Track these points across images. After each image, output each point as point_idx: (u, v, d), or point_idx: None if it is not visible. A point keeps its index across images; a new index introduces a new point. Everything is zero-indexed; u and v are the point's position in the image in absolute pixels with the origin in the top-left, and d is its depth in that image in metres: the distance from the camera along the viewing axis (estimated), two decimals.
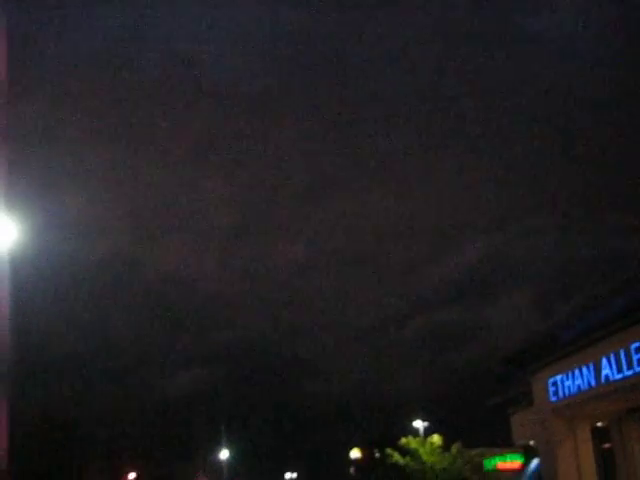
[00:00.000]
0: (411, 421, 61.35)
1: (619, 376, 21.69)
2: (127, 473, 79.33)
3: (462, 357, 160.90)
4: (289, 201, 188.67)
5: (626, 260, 25.40)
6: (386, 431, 73.98)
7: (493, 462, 57.04)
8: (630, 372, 21.12)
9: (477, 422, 69.59)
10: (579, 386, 24.20)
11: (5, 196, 17.54)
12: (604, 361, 22.46)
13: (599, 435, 28.05)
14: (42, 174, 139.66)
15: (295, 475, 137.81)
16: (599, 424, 28.18)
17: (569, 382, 25.04)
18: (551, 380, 26.44)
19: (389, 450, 56.75)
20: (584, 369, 23.86)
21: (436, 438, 55.44)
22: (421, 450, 54.52)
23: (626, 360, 21.29)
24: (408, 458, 54.86)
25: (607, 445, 28.05)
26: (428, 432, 58.07)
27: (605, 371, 22.46)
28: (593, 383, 23.26)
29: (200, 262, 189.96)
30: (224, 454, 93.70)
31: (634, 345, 20.80)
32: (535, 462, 38.73)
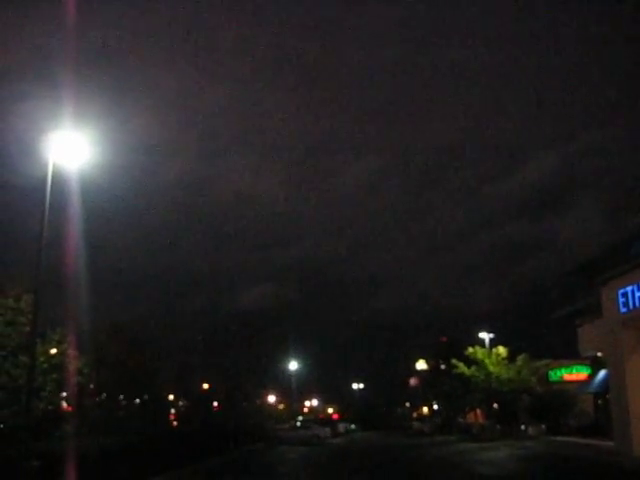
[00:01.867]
0: (477, 333, 61.57)
1: None
2: (200, 384, 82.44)
3: (529, 270, 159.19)
4: (355, 120, 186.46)
5: None
6: (452, 343, 74.40)
7: (559, 373, 57.21)
8: None
9: (543, 334, 69.39)
10: None
11: (74, 117, 17.81)
12: None
13: None
14: (112, 98, 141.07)
15: (362, 386, 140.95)
16: None
17: None
18: (621, 291, 26.04)
19: (455, 361, 57.33)
20: None
21: (502, 349, 55.67)
22: (487, 361, 54.92)
23: None
24: (474, 369, 55.38)
25: None
26: (494, 344, 58.26)
27: None
28: None
29: (267, 180, 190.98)
30: (293, 365, 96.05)
31: None
32: (602, 373, 38.59)
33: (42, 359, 24.72)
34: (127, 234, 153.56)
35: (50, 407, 25.74)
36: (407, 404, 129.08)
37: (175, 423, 71.48)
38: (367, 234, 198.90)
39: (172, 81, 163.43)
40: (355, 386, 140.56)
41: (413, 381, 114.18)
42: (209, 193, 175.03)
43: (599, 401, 43.55)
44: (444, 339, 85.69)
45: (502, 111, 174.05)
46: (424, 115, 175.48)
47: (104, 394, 53.97)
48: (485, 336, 60.25)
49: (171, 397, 78.10)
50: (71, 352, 26.36)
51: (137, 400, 62.86)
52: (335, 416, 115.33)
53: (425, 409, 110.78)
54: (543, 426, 51.09)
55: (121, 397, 59.61)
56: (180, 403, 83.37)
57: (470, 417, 74.70)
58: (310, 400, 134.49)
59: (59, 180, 16.98)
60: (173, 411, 78.07)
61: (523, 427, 53.77)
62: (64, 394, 28.32)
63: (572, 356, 51.23)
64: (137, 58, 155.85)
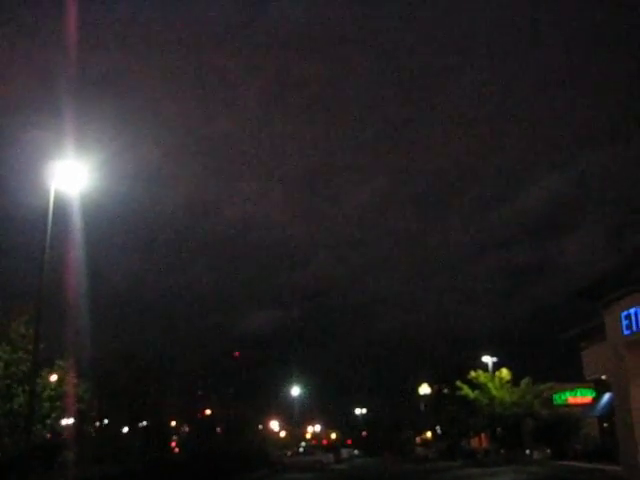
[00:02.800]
0: (480, 356, 61.28)
1: None
2: (203, 410, 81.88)
3: (532, 293, 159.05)
4: (359, 147, 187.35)
5: None
6: (455, 367, 74.06)
7: (563, 397, 56.85)
8: None
9: (547, 357, 69.18)
10: None
11: (77, 145, 17.92)
12: None
13: None
14: (117, 125, 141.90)
15: (365, 411, 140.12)
16: None
17: None
18: (624, 313, 25.94)
19: (459, 383, 56.95)
20: None
21: (505, 372, 55.38)
22: (490, 384, 54.62)
23: None
24: (477, 392, 55.04)
25: None
26: (497, 367, 57.97)
27: None
28: None
29: (271, 205, 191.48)
30: (295, 391, 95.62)
31: None
32: (607, 396, 38.34)
33: (51, 387, 24.69)
34: (132, 260, 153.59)
35: (48, 434, 25.66)
36: (411, 430, 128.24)
37: (177, 450, 70.95)
38: (371, 258, 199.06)
39: (175, 108, 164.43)
40: (358, 411, 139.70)
41: (418, 406, 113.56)
42: (214, 219, 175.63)
43: (605, 424, 43.20)
44: (448, 363, 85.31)
45: (504, 135, 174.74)
46: (428, 139, 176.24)
47: (106, 420, 53.70)
48: (488, 359, 59.96)
49: (173, 423, 77.60)
50: (70, 378, 26.32)
51: (140, 425, 62.45)
52: (338, 442, 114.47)
53: (429, 434, 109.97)
54: (548, 450, 50.68)
55: (124, 424, 59.26)
56: (182, 429, 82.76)
57: (474, 442, 74.14)
58: (313, 425, 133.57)
59: (62, 209, 17.06)
60: (175, 437, 77.56)
61: (528, 451, 53.34)
62: (65, 421, 28.22)
63: (576, 379, 50.96)
64: (141, 85, 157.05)
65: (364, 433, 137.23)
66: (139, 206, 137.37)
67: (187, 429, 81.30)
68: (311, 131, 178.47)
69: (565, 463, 43.40)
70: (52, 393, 24.88)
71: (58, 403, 25.18)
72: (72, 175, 16.93)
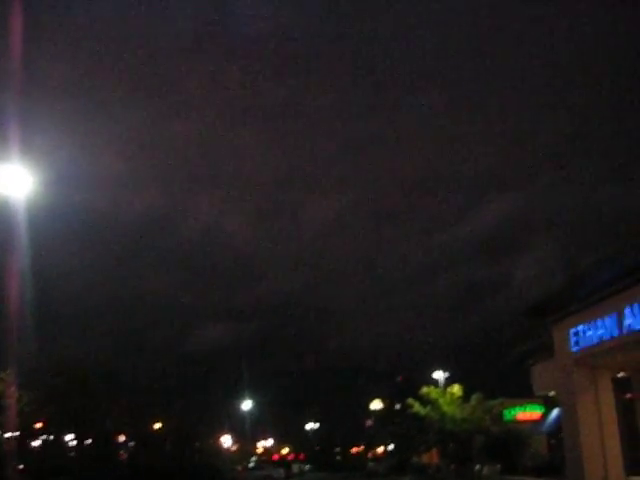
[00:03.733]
0: (432, 372, 61.54)
1: None
2: (151, 424, 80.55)
3: (484, 310, 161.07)
4: (321, 159, 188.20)
5: None
6: (407, 383, 74.33)
7: (513, 412, 57.33)
8: None
9: (497, 373, 69.77)
10: (601, 336, 23.95)
11: (27, 150, 17.45)
12: (627, 311, 22.15)
13: (620, 385, 27.80)
14: (80, 136, 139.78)
15: (317, 425, 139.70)
16: (620, 374, 27.93)
17: (591, 332, 24.79)
18: (573, 330, 26.20)
19: (410, 400, 57.03)
20: (606, 319, 23.56)
21: (456, 388, 55.55)
22: (441, 400, 54.71)
23: None
24: (428, 408, 55.14)
25: (629, 395, 27.83)
26: (449, 383, 58.23)
27: (628, 320, 22.16)
28: (615, 333, 22.98)
29: (233, 217, 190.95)
30: (246, 405, 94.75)
31: None
32: (555, 412, 38.76)
33: None
34: (86, 269, 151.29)
35: None
36: (362, 445, 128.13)
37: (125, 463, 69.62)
38: (328, 273, 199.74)
39: (137, 115, 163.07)
40: (310, 426, 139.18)
41: (369, 422, 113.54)
42: (173, 229, 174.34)
43: (552, 441, 43.65)
44: (400, 378, 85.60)
45: (459, 156, 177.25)
46: (391, 157, 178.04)
47: (51, 435, 52.46)
48: (440, 375, 60.24)
49: (122, 437, 76.19)
50: (11, 391, 25.54)
51: (86, 441, 61.20)
52: (290, 457, 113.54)
53: (381, 449, 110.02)
54: (498, 466, 50.93)
55: (69, 437, 58.01)
56: (130, 443, 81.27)
57: (425, 457, 74.27)
58: (264, 440, 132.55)
59: (6, 216, 16.57)
60: (123, 451, 76.15)
61: (478, 467, 53.54)
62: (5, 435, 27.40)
63: (526, 395, 51.44)
64: (104, 93, 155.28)
65: (317, 448, 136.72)
66: (97, 214, 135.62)
67: (133, 443, 79.89)
68: (275, 145, 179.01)
69: (515, 478, 43.66)
70: None
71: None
72: (17, 179, 16.48)
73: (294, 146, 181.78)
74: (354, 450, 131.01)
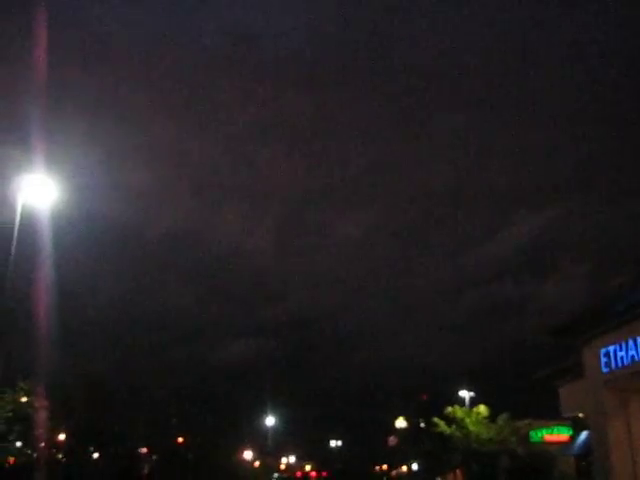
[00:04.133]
0: (458, 391, 60.83)
1: None
2: (174, 438, 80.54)
3: (512, 329, 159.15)
4: (348, 176, 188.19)
5: None
6: (432, 401, 73.53)
7: (540, 434, 56.29)
8: None
9: (524, 394, 68.68)
10: (633, 357, 23.34)
11: (46, 161, 17.42)
12: None
13: None
14: (107, 147, 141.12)
15: (340, 443, 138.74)
16: None
17: (622, 353, 24.18)
18: (603, 351, 25.58)
19: (435, 419, 56.38)
20: (639, 339, 23.00)
21: (482, 408, 54.85)
22: (467, 420, 54.03)
23: None
24: (454, 427, 54.45)
25: None
26: (474, 403, 57.49)
27: None
28: None
29: (257, 234, 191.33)
30: (270, 421, 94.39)
31: None
32: (584, 435, 37.93)
33: (5, 408, 23.85)
34: (113, 283, 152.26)
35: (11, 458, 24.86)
36: (385, 464, 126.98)
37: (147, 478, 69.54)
38: (353, 291, 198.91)
39: (164, 131, 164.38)
40: (333, 443, 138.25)
41: (392, 440, 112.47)
42: (199, 243, 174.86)
43: (582, 463, 42.72)
44: (424, 397, 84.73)
45: (489, 172, 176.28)
46: (415, 175, 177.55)
47: (75, 446, 52.47)
48: (465, 394, 59.49)
49: (144, 450, 76.16)
50: (39, 403, 25.54)
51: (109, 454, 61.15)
52: (312, 474, 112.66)
53: (404, 468, 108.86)
54: None
55: (92, 449, 58.05)
56: (154, 457, 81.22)
57: (450, 477, 73.33)
58: (287, 456, 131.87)
59: (31, 226, 16.51)
60: (147, 465, 76.07)
61: None
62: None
63: (554, 417, 50.49)
64: (131, 107, 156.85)
65: (339, 466, 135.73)
66: (123, 226, 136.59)
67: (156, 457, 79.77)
68: (298, 162, 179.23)
69: None
70: (9, 414, 24.06)
71: (17, 427, 24.34)
72: (43, 190, 16.40)
73: (321, 163, 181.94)
74: (378, 468, 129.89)
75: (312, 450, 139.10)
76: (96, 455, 60.23)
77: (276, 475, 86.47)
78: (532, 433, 55.86)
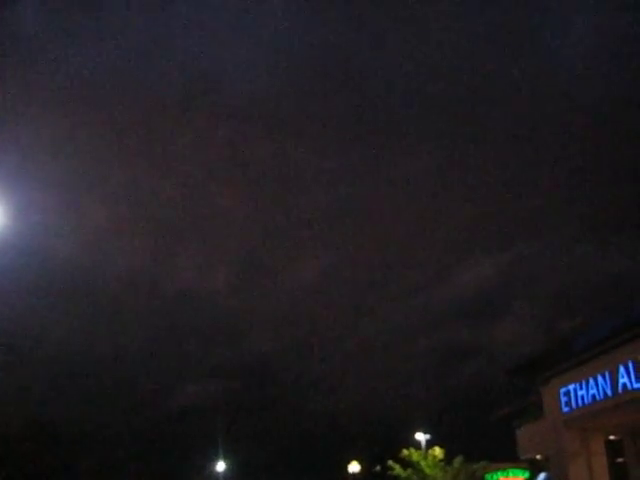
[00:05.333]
0: (413, 434, 60.06)
1: (638, 385, 20.69)
2: None
3: (466, 372, 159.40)
4: (305, 220, 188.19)
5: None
6: (387, 445, 72.51)
7: (496, 477, 55.70)
8: None
9: (480, 436, 68.32)
10: (594, 396, 23.17)
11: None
12: (621, 369, 21.47)
13: (612, 449, 26.92)
14: (58, 188, 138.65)
15: None
16: (612, 437, 27.07)
17: (583, 392, 24.01)
18: (563, 390, 25.40)
19: (390, 462, 55.49)
20: (599, 378, 22.84)
21: (438, 451, 54.20)
22: (423, 463, 53.29)
23: None
24: (409, 471, 53.65)
25: (620, 459, 26.92)
26: (430, 445, 56.79)
27: (622, 380, 21.46)
28: (609, 392, 22.23)
29: (215, 279, 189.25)
30: (220, 466, 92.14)
31: None
32: (542, 477, 37.49)
33: None
34: (62, 324, 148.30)
35: None
36: None
37: None
38: (311, 333, 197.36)
39: (123, 168, 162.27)
40: None
41: None
42: (155, 285, 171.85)
43: None
44: (380, 440, 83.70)
45: (444, 217, 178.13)
46: (373, 218, 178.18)
47: None
48: (421, 437, 58.79)
49: None
50: None
51: None
52: None
53: None
54: None
55: None
56: None
57: None
58: None
59: None
60: None
61: None
62: None
63: (510, 459, 50.08)
64: (89, 142, 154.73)
65: None
66: (76, 266, 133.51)
67: None
68: (260, 204, 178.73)
69: None
70: None
71: None
72: None
73: (279, 206, 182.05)
74: None
75: None
76: None
77: None
78: (488, 476, 55.28)
